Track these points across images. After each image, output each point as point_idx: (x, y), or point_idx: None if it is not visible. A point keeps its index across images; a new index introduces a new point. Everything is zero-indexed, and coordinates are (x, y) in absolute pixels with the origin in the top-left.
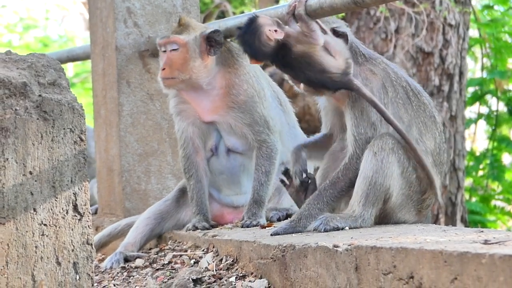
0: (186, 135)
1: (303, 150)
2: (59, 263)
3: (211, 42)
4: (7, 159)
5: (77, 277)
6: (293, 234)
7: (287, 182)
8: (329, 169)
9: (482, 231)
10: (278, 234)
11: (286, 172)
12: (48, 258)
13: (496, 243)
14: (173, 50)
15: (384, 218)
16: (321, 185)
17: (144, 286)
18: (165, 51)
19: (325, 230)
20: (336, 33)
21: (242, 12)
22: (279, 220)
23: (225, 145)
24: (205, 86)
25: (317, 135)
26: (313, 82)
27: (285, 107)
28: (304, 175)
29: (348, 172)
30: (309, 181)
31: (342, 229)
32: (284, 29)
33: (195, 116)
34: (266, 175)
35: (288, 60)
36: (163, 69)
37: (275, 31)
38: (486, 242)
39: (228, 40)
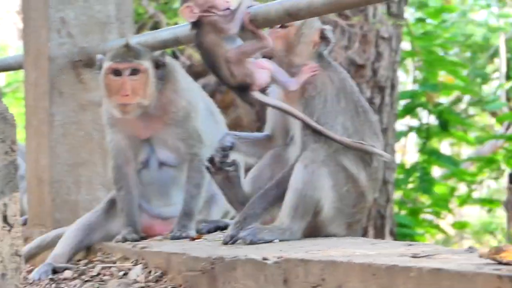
0: (118, 146)
1: (230, 135)
2: None
3: (159, 65)
4: None
5: None
6: (223, 246)
7: (212, 169)
8: (265, 169)
9: (411, 245)
10: (227, 243)
11: (211, 160)
12: None
13: (424, 256)
14: (133, 75)
15: (314, 231)
16: (256, 184)
17: None
18: (120, 75)
19: (251, 242)
20: (322, 35)
21: (176, 23)
22: (209, 232)
23: (158, 158)
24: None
25: (259, 134)
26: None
27: (216, 117)
28: (225, 151)
29: None
30: (231, 164)
31: (270, 241)
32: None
33: (130, 131)
34: (196, 188)
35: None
36: (125, 95)
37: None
38: (414, 256)
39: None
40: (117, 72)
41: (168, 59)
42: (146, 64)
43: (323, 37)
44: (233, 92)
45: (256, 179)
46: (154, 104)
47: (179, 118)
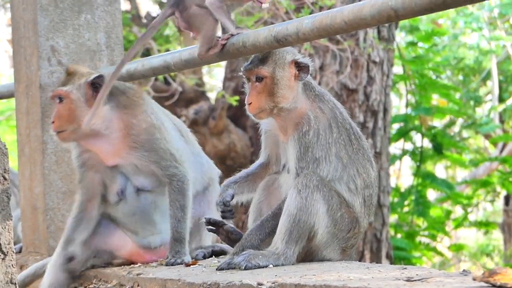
0: (85, 185)
1: (231, 186)
2: None
3: (97, 87)
4: None
5: None
6: (218, 272)
7: (214, 228)
8: (263, 204)
9: (405, 268)
10: (223, 269)
11: (209, 222)
12: None
13: (418, 280)
14: (60, 102)
15: (309, 256)
16: (256, 218)
17: None
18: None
19: (246, 268)
20: (298, 65)
21: (167, 50)
22: (204, 257)
23: (133, 185)
24: (103, 131)
25: (253, 166)
26: None
27: (187, 137)
28: (226, 206)
29: None
30: (233, 212)
31: (265, 267)
32: None
33: (99, 162)
34: (182, 210)
35: None
36: (53, 122)
37: None
38: (409, 279)
39: (122, 82)
40: (54, 101)
41: (129, 85)
42: (68, 89)
43: (300, 67)
44: None
45: (257, 220)
46: (111, 128)
47: (142, 141)
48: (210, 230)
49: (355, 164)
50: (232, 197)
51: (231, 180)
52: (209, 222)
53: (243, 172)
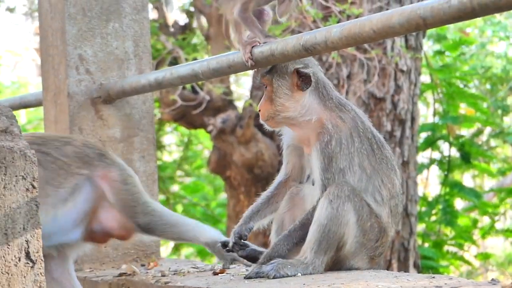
0: None
1: (253, 218)
2: None
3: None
4: None
5: None
6: (246, 281)
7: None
8: (286, 215)
9: (433, 277)
10: (251, 278)
11: (224, 246)
12: None
13: None
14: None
15: (337, 265)
16: (278, 228)
17: None
18: None
19: (275, 277)
20: (299, 73)
21: (195, 59)
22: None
23: None
24: None
25: (271, 187)
26: None
27: None
28: (240, 239)
29: None
30: (245, 247)
31: (293, 276)
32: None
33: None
34: None
35: None
36: None
37: None
38: None
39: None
40: None
41: None
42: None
43: (301, 76)
44: None
45: (279, 232)
46: None
47: None
48: (228, 251)
49: (379, 175)
50: (250, 230)
51: (253, 209)
52: (225, 245)
53: (263, 196)
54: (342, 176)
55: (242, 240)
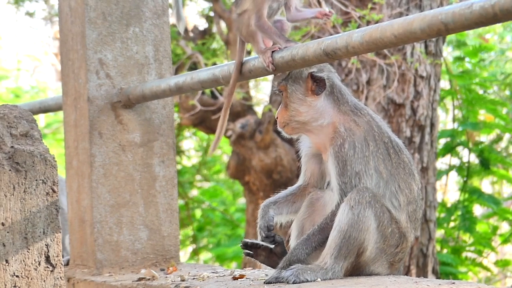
0: None
1: (271, 207)
2: None
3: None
4: None
5: None
6: (265, 286)
7: (251, 252)
8: (306, 221)
9: (453, 283)
10: (271, 283)
11: (246, 245)
12: None
13: None
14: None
15: (356, 270)
16: (298, 234)
17: None
18: None
19: (294, 282)
20: (313, 78)
21: (214, 64)
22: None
23: None
24: None
25: (291, 188)
26: None
27: None
28: (269, 231)
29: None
30: (275, 238)
31: (313, 281)
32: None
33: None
34: None
35: None
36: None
37: None
38: None
39: None
40: None
41: None
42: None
43: (316, 80)
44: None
45: (299, 237)
46: None
47: None
48: (247, 255)
49: (396, 180)
50: (273, 220)
51: (271, 200)
52: (246, 245)
53: (282, 192)
54: (359, 180)
55: (271, 232)
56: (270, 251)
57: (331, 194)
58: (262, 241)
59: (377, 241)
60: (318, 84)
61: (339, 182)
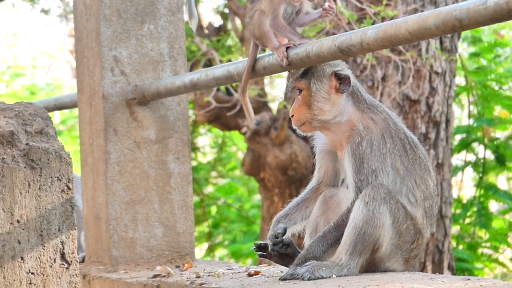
0: None
1: (281, 221)
2: None
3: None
4: None
5: None
6: (280, 282)
7: (264, 253)
8: (320, 218)
9: (469, 279)
10: (286, 279)
11: (259, 247)
12: None
13: None
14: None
15: (371, 267)
16: (312, 232)
17: None
18: None
19: (309, 279)
20: (337, 76)
21: (229, 60)
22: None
23: None
24: None
25: (303, 193)
26: None
27: None
28: (277, 239)
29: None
30: (283, 243)
31: (329, 277)
32: None
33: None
34: None
35: None
36: None
37: None
38: None
39: None
40: None
41: None
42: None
43: (340, 78)
44: None
45: (313, 235)
46: None
47: None
48: (261, 256)
49: (413, 176)
50: (285, 230)
51: (281, 214)
52: (259, 246)
53: (293, 201)
54: (375, 177)
55: (279, 239)
56: (274, 251)
57: (345, 192)
58: (272, 250)
59: (392, 237)
60: (342, 82)
61: (355, 179)
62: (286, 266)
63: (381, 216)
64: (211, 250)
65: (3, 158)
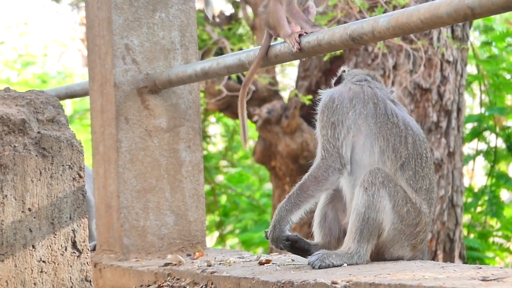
0: None
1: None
2: None
3: None
4: (6, 196)
5: None
6: (291, 271)
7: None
8: (327, 207)
9: (480, 268)
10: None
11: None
12: None
13: (494, 279)
14: None
15: (377, 254)
16: (321, 221)
17: None
18: None
19: (320, 267)
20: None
21: (241, 49)
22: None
23: None
24: None
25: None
26: None
27: None
28: (280, 242)
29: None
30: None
31: (339, 266)
32: None
33: None
34: None
35: None
36: None
37: None
38: (484, 279)
39: None
40: None
41: None
42: None
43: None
44: None
45: (322, 224)
46: None
47: None
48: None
49: (381, 133)
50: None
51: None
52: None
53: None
54: (333, 129)
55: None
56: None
57: (347, 179)
58: (281, 249)
59: (394, 221)
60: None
61: (318, 134)
62: (298, 254)
63: (382, 200)
64: (222, 239)
65: (15, 146)
